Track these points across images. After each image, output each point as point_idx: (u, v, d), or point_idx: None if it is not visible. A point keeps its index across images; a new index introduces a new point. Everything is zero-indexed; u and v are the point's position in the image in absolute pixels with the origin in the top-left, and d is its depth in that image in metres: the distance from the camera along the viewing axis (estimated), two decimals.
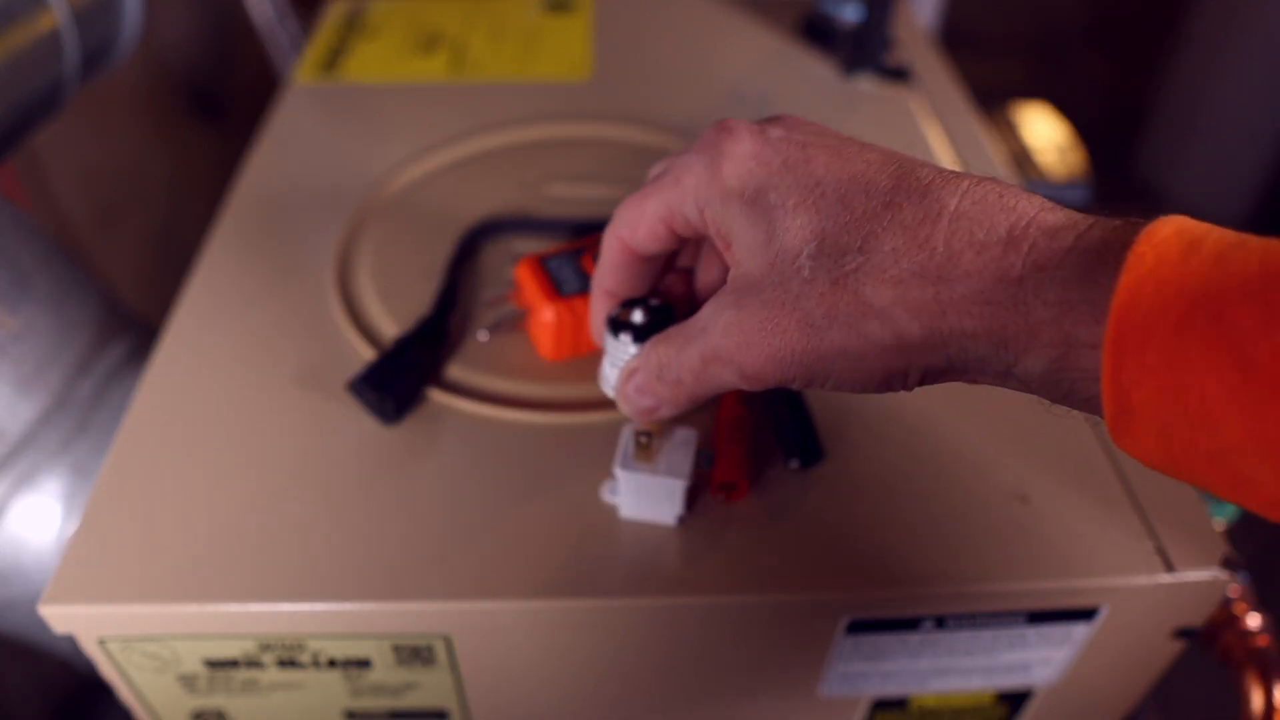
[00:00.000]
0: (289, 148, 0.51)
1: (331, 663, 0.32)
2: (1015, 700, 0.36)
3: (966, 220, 0.22)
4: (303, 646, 0.31)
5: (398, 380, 0.35)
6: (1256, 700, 0.36)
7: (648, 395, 0.28)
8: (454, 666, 0.32)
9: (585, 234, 0.41)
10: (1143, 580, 0.31)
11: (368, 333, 0.39)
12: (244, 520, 0.32)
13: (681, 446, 0.31)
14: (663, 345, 0.28)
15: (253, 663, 0.31)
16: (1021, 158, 0.83)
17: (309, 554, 0.31)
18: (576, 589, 0.30)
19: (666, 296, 0.32)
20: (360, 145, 0.51)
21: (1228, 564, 0.31)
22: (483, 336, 0.39)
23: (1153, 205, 1.66)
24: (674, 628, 0.31)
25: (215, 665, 0.32)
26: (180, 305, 0.40)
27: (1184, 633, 0.33)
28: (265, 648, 0.31)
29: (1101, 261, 0.20)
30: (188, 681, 0.32)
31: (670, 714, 0.35)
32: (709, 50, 0.61)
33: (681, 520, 0.32)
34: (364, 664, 0.32)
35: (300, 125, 0.53)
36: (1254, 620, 0.36)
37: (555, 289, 0.36)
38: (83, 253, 0.73)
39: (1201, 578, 0.31)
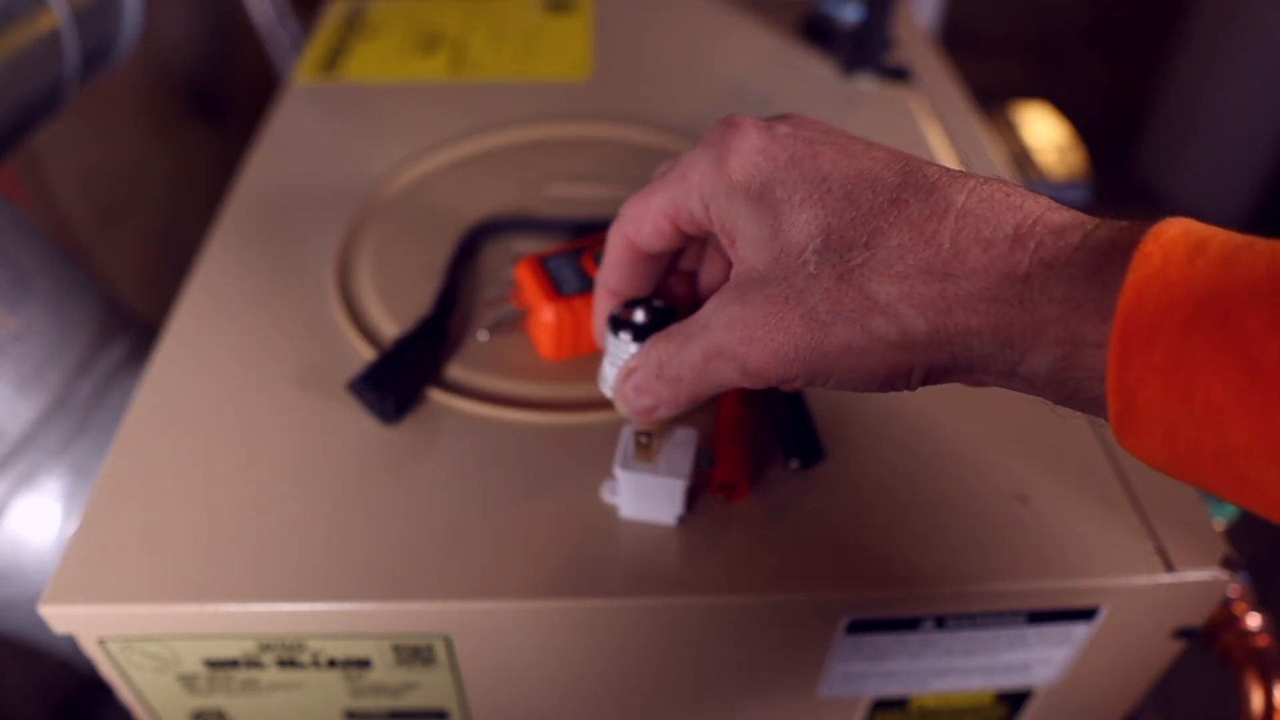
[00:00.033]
0: (289, 148, 0.51)
1: (331, 663, 0.32)
2: (1015, 700, 0.36)
3: (973, 218, 0.22)
4: (303, 646, 0.31)
5: (398, 380, 0.35)
6: (1256, 700, 0.36)
7: (646, 394, 0.28)
8: (454, 666, 0.32)
9: (585, 234, 0.41)
10: (1143, 580, 0.31)
11: (368, 333, 0.39)
12: (244, 520, 0.32)
13: (681, 446, 0.31)
14: (663, 342, 0.27)
15: (253, 663, 0.31)
16: (1021, 158, 0.83)
17: (309, 554, 0.31)
18: (576, 589, 0.30)
19: (670, 298, 0.32)
20: (360, 145, 0.51)
21: (1228, 564, 0.31)
22: (483, 336, 0.39)
23: (1153, 205, 1.66)
24: (674, 628, 0.31)
25: (215, 665, 0.32)
26: (180, 305, 0.40)
27: (1184, 633, 0.33)
28: (265, 648, 0.31)
29: (1108, 261, 0.20)
30: (188, 681, 0.32)
31: (670, 714, 0.35)
32: (709, 50, 0.61)
33: (681, 520, 0.32)
34: (364, 664, 0.32)
35: (300, 125, 0.53)
36: (1254, 620, 0.36)
37: (555, 289, 0.36)
38: (83, 253, 0.73)
39: (1201, 578, 0.31)
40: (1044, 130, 0.87)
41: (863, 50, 0.57)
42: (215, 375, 0.37)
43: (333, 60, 0.59)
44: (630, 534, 0.31)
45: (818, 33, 0.61)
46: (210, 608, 0.29)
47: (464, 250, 0.43)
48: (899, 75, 0.57)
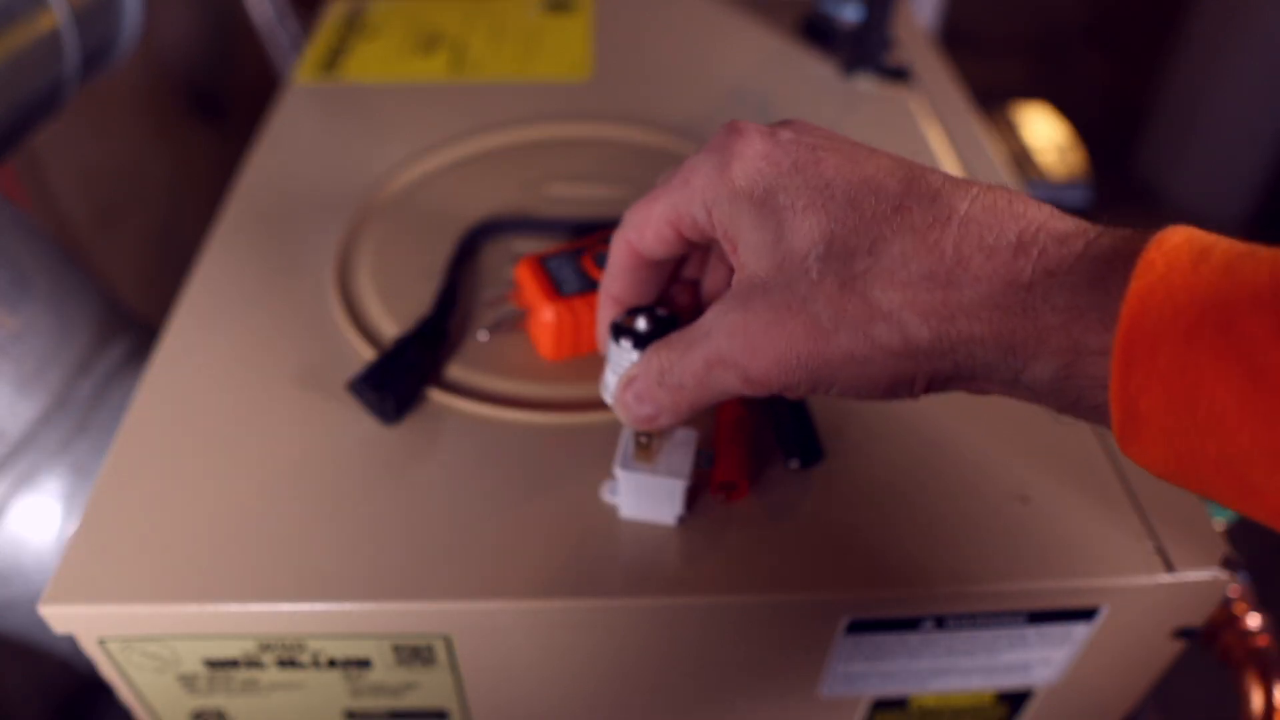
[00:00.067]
0: (289, 148, 0.51)
1: (331, 663, 0.32)
2: (1015, 700, 0.36)
3: (976, 225, 0.22)
4: (303, 646, 0.31)
5: (398, 380, 0.35)
6: (1256, 700, 0.36)
7: (647, 402, 0.28)
8: (454, 666, 0.32)
9: (585, 234, 0.41)
10: (1143, 580, 0.31)
11: (368, 333, 0.39)
12: (244, 520, 0.32)
13: (681, 446, 0.31)
14: (664, 350, 0.27)
15: (253, 663, 0.31)
16: (1021, 158, 0.83)
17: (309, 554, 0.31)
18: (577, 589, 0.30)
19: (673, 306, 0.32)
20: (360, 145, 0.51)
21: (1228, 564, 0.31)
22: (483, 336, 0.39)
23: (1153, 205, 1.67)
24: (674, 628, 0.31)
25: (215, 665, 0.32)
26: (180, 305, 0.40)
27: (1184, 633, 0.33)
28: (265, 648, 0.31)
29: (1111, 268, 0.20)
30: (188, 681, 0.32)
31: (670, 714, 0.35)
32: (709, 50, 0.61)
33: (681, 520, 0.32)
34: (364, 664, 0.32)
35: (300, 125, 0.53)
36: (1254, 620, 0.36)
37: (555, 289, 0.36)
38: (83, 253, 0.73)
39: (1201, 578, 0.31)
40: (1044, 130, 0.87)
41: (863, 50, 0.57)
42: (215, 375, 0.37)
43: (333, 60, 0.59)
44: (630, 534, 0.31)
45: (818, 33, 0.61)
46: (210, 608, 0.29)
47: (464, 250, 0.43)
48: (899, 75, 0.57)
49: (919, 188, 0.24)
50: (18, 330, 0.41)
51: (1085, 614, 0.32)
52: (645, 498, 0.31)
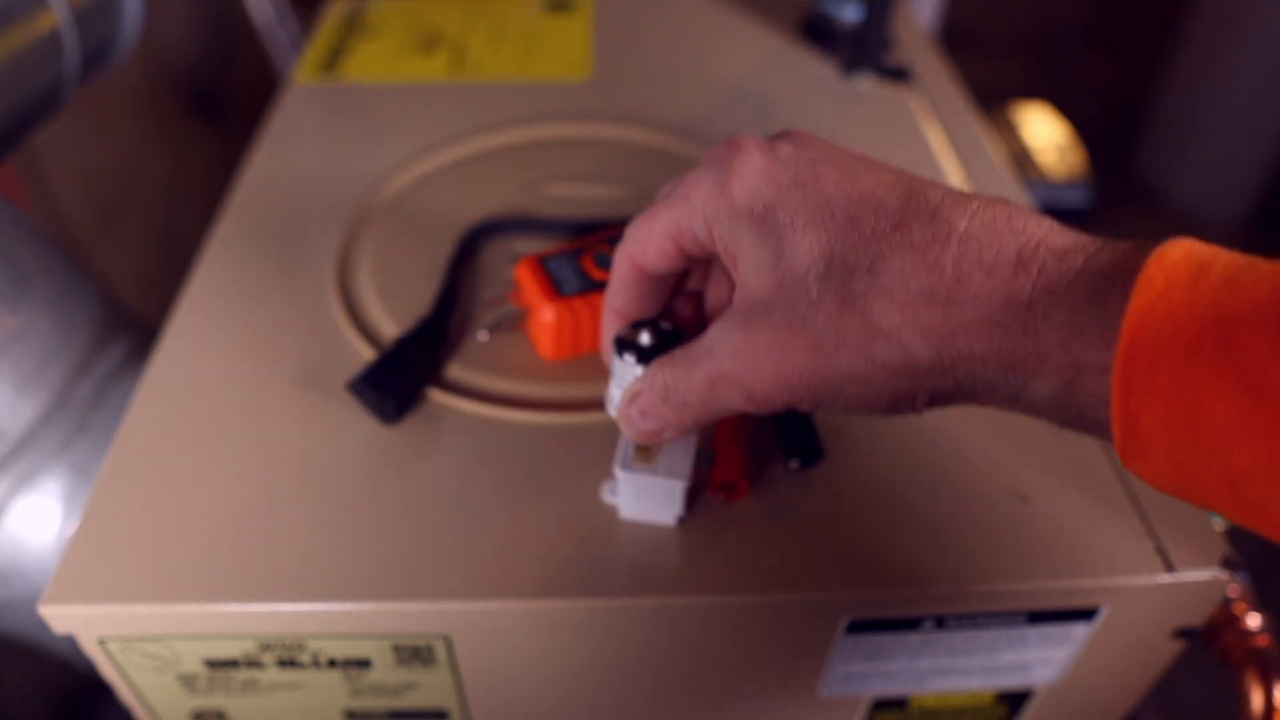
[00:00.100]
0: (289, 148, 0.51)
1: (331, 663, 0.32)
2: (1015, 700, 0.36)
3: (975, 242, 0.22)
4: (303, 646, 0.31)
5: (398, 380, 0.35)
6: (1256, 700, 0.36)
7: (651, 418, 0.28)
8: (454, 666, 0.32)
9: (585, 234, 0.41)
10: (1143, 580, 0.31)
11: (368, 333, 0.39)
12: (244, 520, 0.32)
13: (681, 447, 0.31)
14: (668, 367, 0.27)
15: (253, 663, 0.31)
16: (1021, 158, 0.84)
17: (309, 554, 0.31)
18: (577, 589, 0.30)
19: (676, 320, 0.32)
20: (360, 145, 0.51)
21: (1228, 564, 0.31)
22: (483, 336, 0.39)
23: (1153, 205, 1.67)
24: (674, 628, 0.31)
25: (215, 665, 0.32)
26: (180, 305, 0.40)
27: (1184, 633, 0.33)
28: (265, 648, 0.31)
29: (1111, 285, 0.20)
30: (188, 681, 0.32)
31: (670, 714, 0.35)
32: (709, 50, 0.61)
33: (681, 521, 0.32)
34: (364, 664, 0.32)
35: (300, 125, 0.53)
36: (1254, 620, 0.36)
37: (555, 289, 0.36)
38: (83, 253, 0.73)
39: (1201, 578, 0.31)
40: (1044, 130, 0.87)
41: (863, 50, 0.57)
42: (215, 375, 0.37)
43: (333, 60, 0.59)
44: (630, 534, 0.31)
45: (818, 33, 0.61)
46: (210, 608, 0.29)
47: (464, 250, 0.43)
48: (899, 75, 0.57)
49: (918, 204, 0.24)
50: (18, 330, 0.41)
51: (1085, 614, 0.32)
52: (645, 498, 0.31)
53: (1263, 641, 0.36)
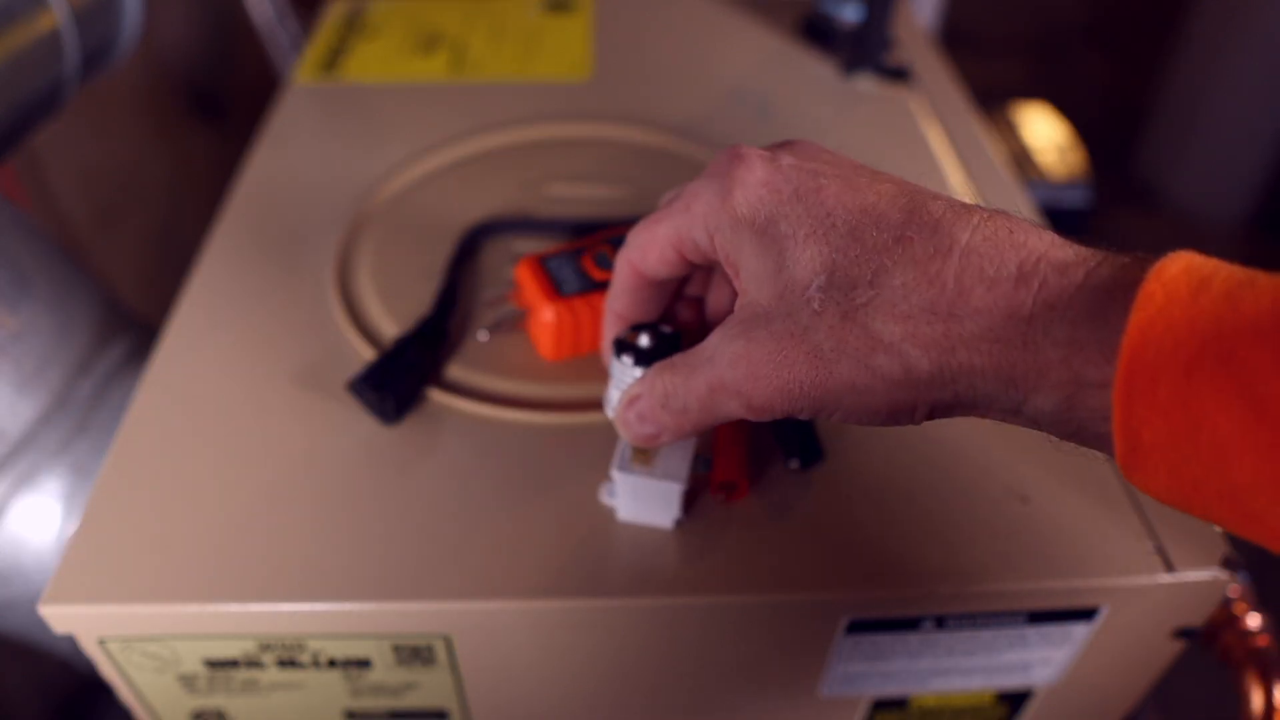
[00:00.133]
0: (289, 148, 0.51)
1: (331, 663, 0.32)
2: (1015, 700, 0.36)
3: (977, 256, 0.22)
4: (303, 646, 0.31)
5: (398, 380, 0.35)
6: (1256, 700, 0.35)
7: (649, 423, 0.28)
8: (454, 666, 0.32)
9: (585, 234, 0.41)
10: (1143, 580, 0.31)
11: (368, 333, 0.39)
12: (244, 520, 0.32)
13: (679, 450, 0.31)
14: (668, 373, 0.28)
15: (253, 663, 0.31)
16: (1021, 158, 0.84)
17: (309, 554, 0.31)
18: (577, 589, 0.30)
19: (677, 324, 0.32)
20: (360, 145, 0.51)
21: (1228, 564, 0.31)
22: (483, 336, 0.39)
23: (1153, 205, 1.67)
24: (674, 628, 0.31)
25: (215, 665, 0.32)
26: (180, 305, 0.40)
27: (1184, 633, 0.33)
28: (265, 648, 0.31)
29: (1111, 299, 0.20)
30: (188, 681, 0.32)
31: (670, 714, 0.35)
32: (709, 50, 0.61)
33: (679, 524, 0.32)
34: (364, 664, 0.32)
35: (300, 125, 0.53)
36: (1254, 620, 0.36)
37: (555, 289, 0.36)
38: (83, 253, 0.73)
39: (1201, 578, 0.31)
40: (1044, 130, 0.87)
41: (863, 50, 0.57)
42: (215, 375, 0.37)
43: (333, 60, 0.59)
44: (630, 534, 0.31)
45: (818, 33, 0.61)
46: (210, 608, 0.29)
47: (464, 250, 0.43)
48: (899, 75, 0.57)
49: (920, 217, 0.24)
50: (18, 330, 0.41)
51: (1085, 614, 0.32)
52: (642, 501, 0.31)
53: (1263, 641, 0.36)
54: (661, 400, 0.28)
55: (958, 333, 0.22)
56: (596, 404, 0.36)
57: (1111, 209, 1.64)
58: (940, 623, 0.32)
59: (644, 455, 0.30)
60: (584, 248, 0.38)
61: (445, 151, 0.50)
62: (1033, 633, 0.32)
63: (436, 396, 0.36)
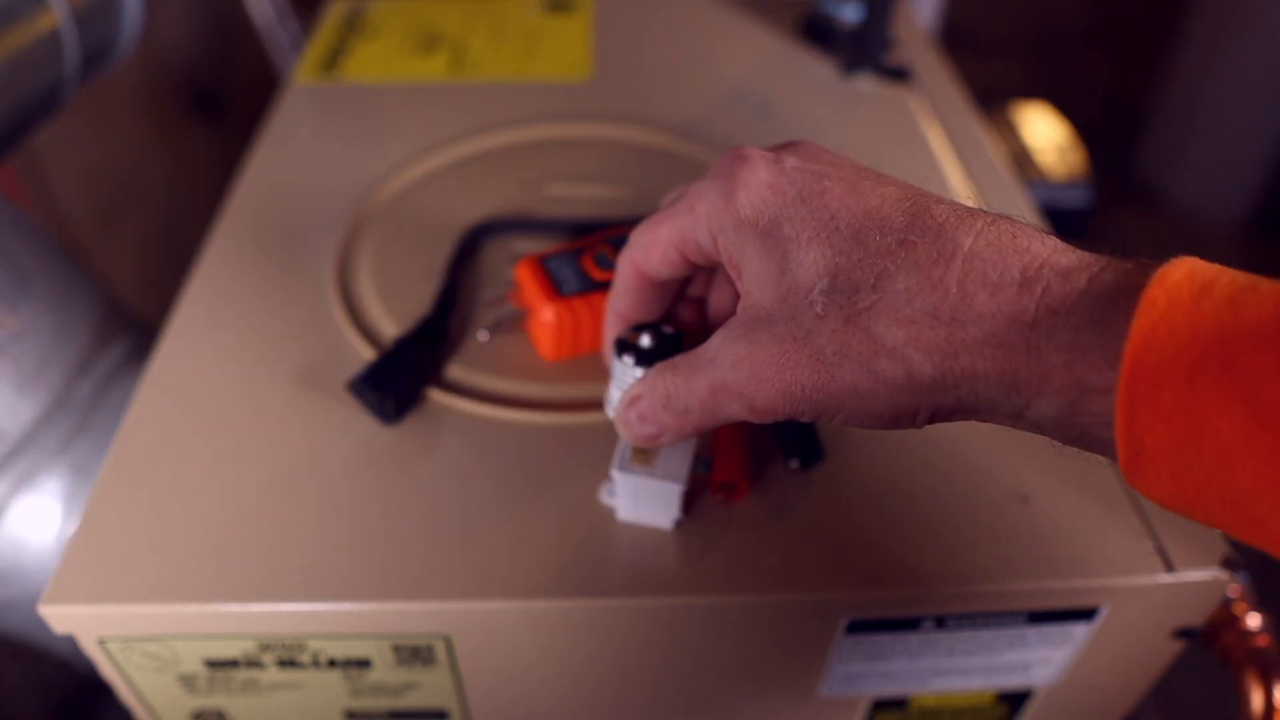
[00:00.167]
0: (289, 148, 0.51)
1: (331, 663, 0.32)
2: (1015, 700, 0.36)
3: (980, 261, 0.22)
4: (303, 646, 0.31)
5: (398, 380, 0.35)
6: (1256, 700, 0.35)
7: (650, 423, 0.28)
8: (454, 666, 0.32)
9: (585, 234, 0.41)
10: (1143, 580, 0.31)
11: (368, 333, 0.39)
12: (244, 520, 0.32)
13: (679, 451, 0.31)
14: (669, 374, 0.28)
15: (253, 663, 0.31)
16: (1021, 158, 0.84)
17: (309, 554, 0.31)
18: (577, 589, 0.30)
19: (678, 324, 0.32)
20: (360, 145, 0.51)
21: (1228, 564, 0.31)
22: (483, 336, 0.39)
23: (1153, 205, 1.67)
24: (674, 628, 0.31)
25: (215, 665, 0.32)
26: (180, 305, 0.40)
27: (1184, 633, 0.33)
28: (265, 648, 0.31)
29: (1114, 305, 0.20)
30: (188, 681, 0.32)
31: (670, 714, 0.35)
32: (709, 50, 0.61)
33: (678, 524, 0.32)
34: (364, 664, 0.32)
35: (300, 125, 0.53)
36: (1254, 620, 0.36)
37: (555, 289, 0.36)
38: (83, 253, 0.73)
39: (1201, 578, 0.31)
40: (1044, 130, 0.87)
41: (863, 50, 0.57)
42: (215, 375, 0.37)
43: (333, 60, 0.59)
44: (630, 534, 0.31)
45: (818, 33, 0.61)
46: (210, 608, 0.29)
47: (464, 250, 0.43)
48: (899, 75, 0.57)
49: (924, 221, 0.24)
50: (18, 330, 0.41)
51: (1085, 614, 0.32)
52: (642, 501, 0.31)
53: (1263, 641, 0.36)
54: (663, 401, 0.28)
55: (960, 337, 0.22)
56: (596, 404, 0.36)
57: (1111, 209, 1.64)
58: (940, 623, 0.32)
59: (644, 455, 0.30)
60: (584, 248, 0.38)
61: (445, 151, 0.50)
62: (1033, 633, 0.32)
63: (436, 396, 0.36)
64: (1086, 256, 0.22)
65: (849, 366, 0.23)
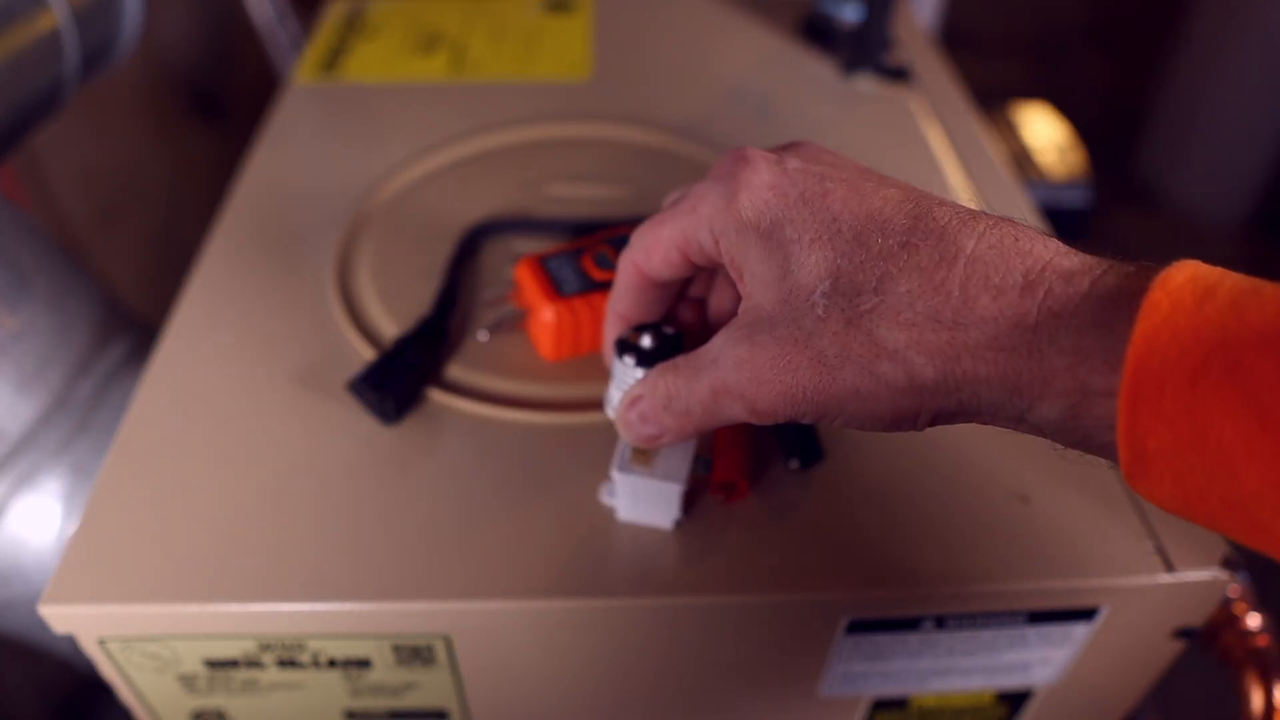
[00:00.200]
0: (289, 148, 0.51)
1: (331, 663, 0.32)
2: (1015, 700, 0.36)
3: (982, 264, 0.22)
4: (303, 646, 0.31)
5: (398, 380, 0.35)
6: (1256, 700, 0.35)
7: (651, 424, 0.28)
8: (454, 666, 0.32)
9: (585, 234, 0.41)
10: (1143, 580, 0.31)
11: (368, 333, 0.39)
12: (244, 520, 0.32)
13: (679, 451, 0.30)
14: (670, 375, 0.27)
15: (253, 663, 0.31)
16: (1021, 158, 0.84)
17: (309, 554, 0.31)
18: (577, 589, 0.30)
19: (679, 325, 0.32)
20: (360, 145, 0.51)
21: (1228, 564, 0.31)
22: (483, 336, 0.39)
23: (1153, 205, 1.67)
24: (674, 628, 0.31)
25: (215, 665, 0.32)
26: (180, 305, 0.40)
27: (1184, 633, 0.33)
28: (265, 648, 0.31)
29: (1116, 308, 0.20)
30: (188, 681, 0.32)
31: (670, 714, 0.35)
32: (709, 50, 0.61)
33: (678, 525, 0.32)
34: (364, 664, 0.32)
35: (300, 125, 0.53)
36: (1254, 620, 0.36)
37: (555, 289, 0.36)
38: (83, 253, 0.73)
39: (1201, 578, 0.31)
40: (1044, 130, 0.87)
41: (863, 50, 0.57)
42: (215, 375, 0.37)
43: (333, 60, 0.59)
44: (631, 534, 0.31)
45: (818, 33, 0.61)
46: (210, 608, 0.29)
47: (464, 250, 0.43)
48: (899, 75, 0.57)
49: (926, 224, 0.24)
50: (18, 330, 0.41)
51: (1085, 614, 0.32)
52: (642, 501, 0.31)
53: (1263, 641, 0.36)
54: (664, 402, 0.28)
55: (962, 341, 0.22)
56: (596, 404, 0.36)
57: (1111, 209, 1.64)
58: (940, 623, 0.32)
59: (644, 456, 0.30)
60: (584, 248, 0.38)
61: (445, 151, 0.50)
62: (1033, 633, 0.32)
63: (436, 396, 0.36)
64: (1089, 259, 0.22)
65: (850, 369, 0.23)
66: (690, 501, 0.32)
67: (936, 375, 0.22)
